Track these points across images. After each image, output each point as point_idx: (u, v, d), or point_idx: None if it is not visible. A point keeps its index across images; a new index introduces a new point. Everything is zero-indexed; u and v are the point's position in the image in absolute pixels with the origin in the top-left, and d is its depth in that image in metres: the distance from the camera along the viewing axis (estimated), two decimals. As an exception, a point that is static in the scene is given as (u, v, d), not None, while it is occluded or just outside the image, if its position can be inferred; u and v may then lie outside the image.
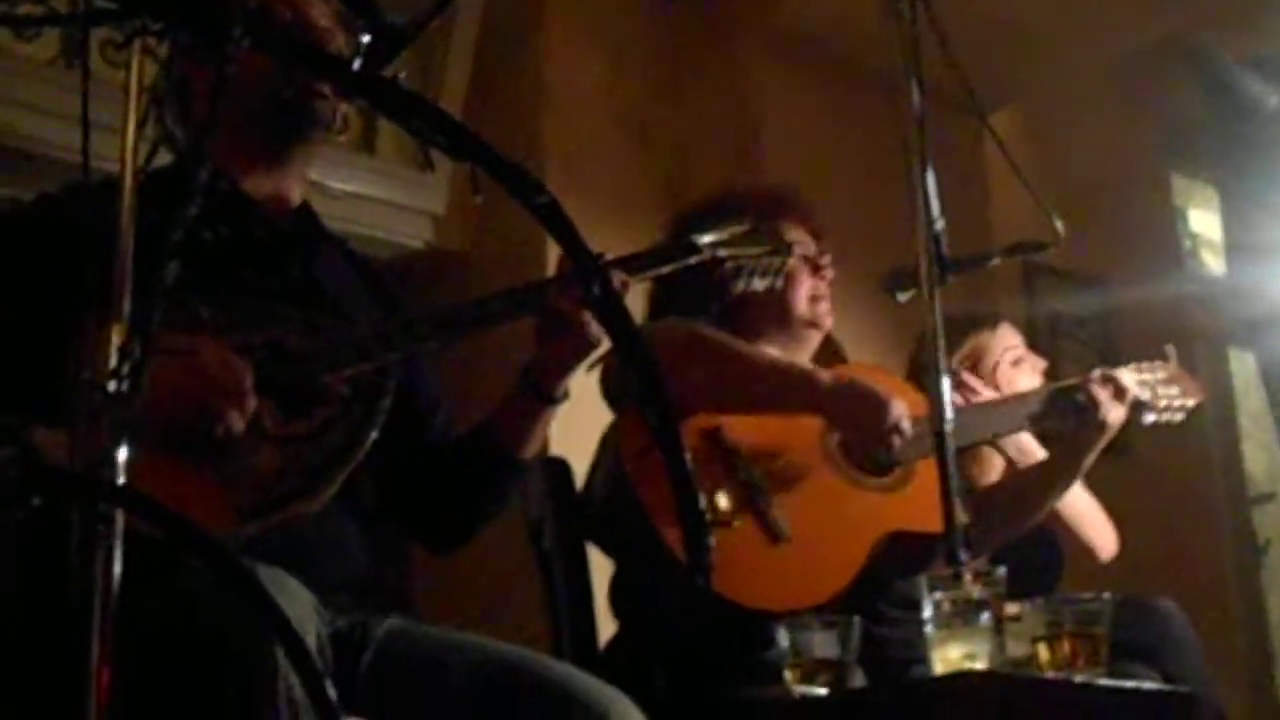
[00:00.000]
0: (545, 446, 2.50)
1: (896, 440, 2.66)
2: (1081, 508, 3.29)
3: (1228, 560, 5.83)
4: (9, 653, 1.74)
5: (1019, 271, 5.16)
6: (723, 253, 2.45)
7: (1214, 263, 6.35)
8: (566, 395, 2.29)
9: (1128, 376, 3.12)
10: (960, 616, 2.03)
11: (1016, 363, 3.43)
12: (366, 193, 4.12)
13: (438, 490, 2.33)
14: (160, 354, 1.46)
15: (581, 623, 2.77)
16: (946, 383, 2.41)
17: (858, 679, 2.22)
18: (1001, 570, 2.10)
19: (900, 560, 2.68)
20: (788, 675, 2.16)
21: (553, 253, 3.92)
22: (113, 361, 1.34)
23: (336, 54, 2.12)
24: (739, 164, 4.49)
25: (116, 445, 1.30)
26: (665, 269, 2.38)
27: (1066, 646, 2.06)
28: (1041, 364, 3.51)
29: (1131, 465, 4.63)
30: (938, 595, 2.05)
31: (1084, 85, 5.42)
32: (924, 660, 2.58)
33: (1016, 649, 2.10)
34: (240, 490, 1.92)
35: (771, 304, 2.89)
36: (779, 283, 2.58)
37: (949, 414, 2.40)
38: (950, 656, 2.01)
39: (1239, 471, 6.00)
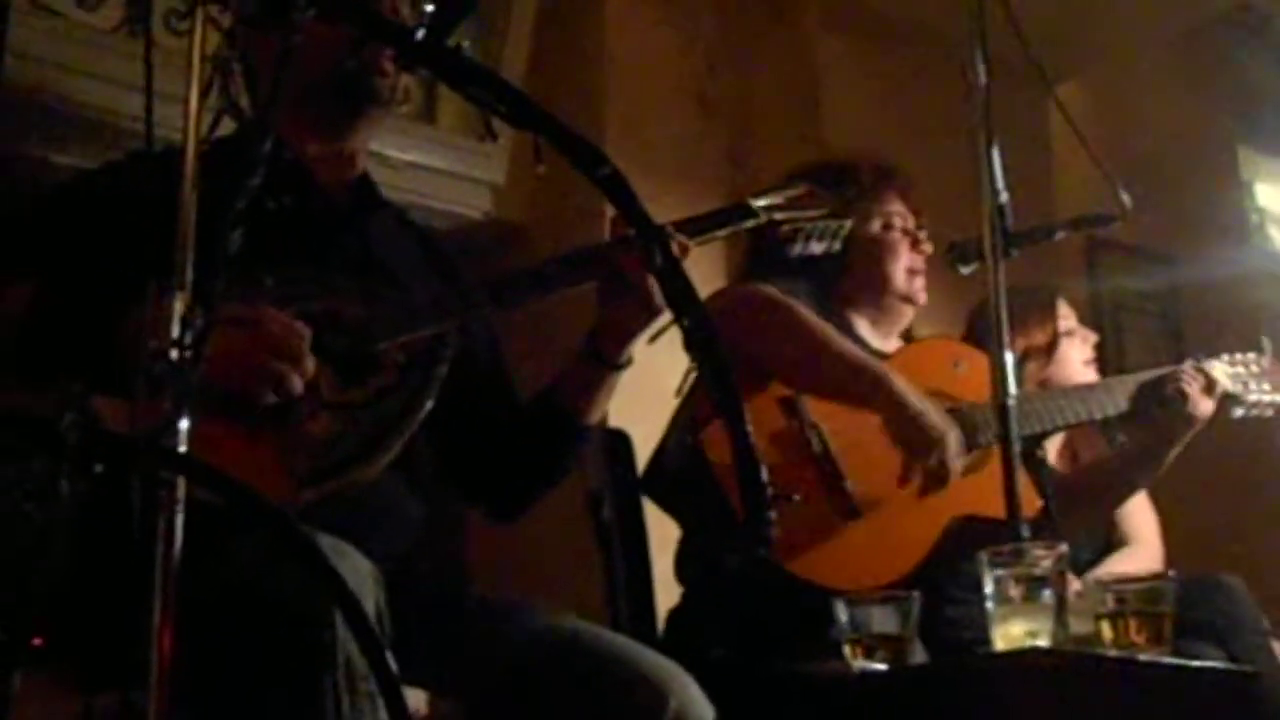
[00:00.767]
0: (604, 417, 2.49)
1: (935, 481, 2.67)
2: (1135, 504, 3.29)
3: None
4: (73, 617, 1.75)
5: (1082, 246, 5.10)
6: (779, 216, 2.43)
7: (1281, 237, 6.28)
8: (629, 361, 2.27)
9: (1219, 369, 3.10)
10: (1022, 593, 2.01)
11: (1068, 333, 3.40)
12: (427, 163, 4.12)
13: (500, 457, 2.33)
14: (222, 323, 1.46)
15: (639, 595, 2.77)
16: (1009, 356, 2.39)
17: (918, 655, 2.20)
18: (1064, 546, 2.08)
19: (971, 544, 2.64)
20: (846, 650, 2.14)
21: (610, 226, 3.92)
22: (175, 330, 1.34)
23: (400, 24, 2.11)
24: (801, 133, 4.46)
25: (179, 414, 1.30)
26: (721, 232, 2.36)
27: (1131, 625, 2.04)
28: (1093, 337, 3.49)
29: (1198, 440, 4.57)
30: (999, 572, 2.03)
31: (1151, 57, 5.34)
32: (987, 641, 2.59)
33: (1079, 626, 2.07)
34: (297, 457, 1.92)
35: (869, 275, 2.89)
36: (836, 246, 2.56)
37: (1012, 388, 2.38)
38: (1012, 633, 1.99)
39: (1308, 446, 5.92)
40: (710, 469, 2.57)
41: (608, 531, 2.77)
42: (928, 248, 2.96)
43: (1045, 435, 2.98)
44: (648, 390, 2.73)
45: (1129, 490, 3.14)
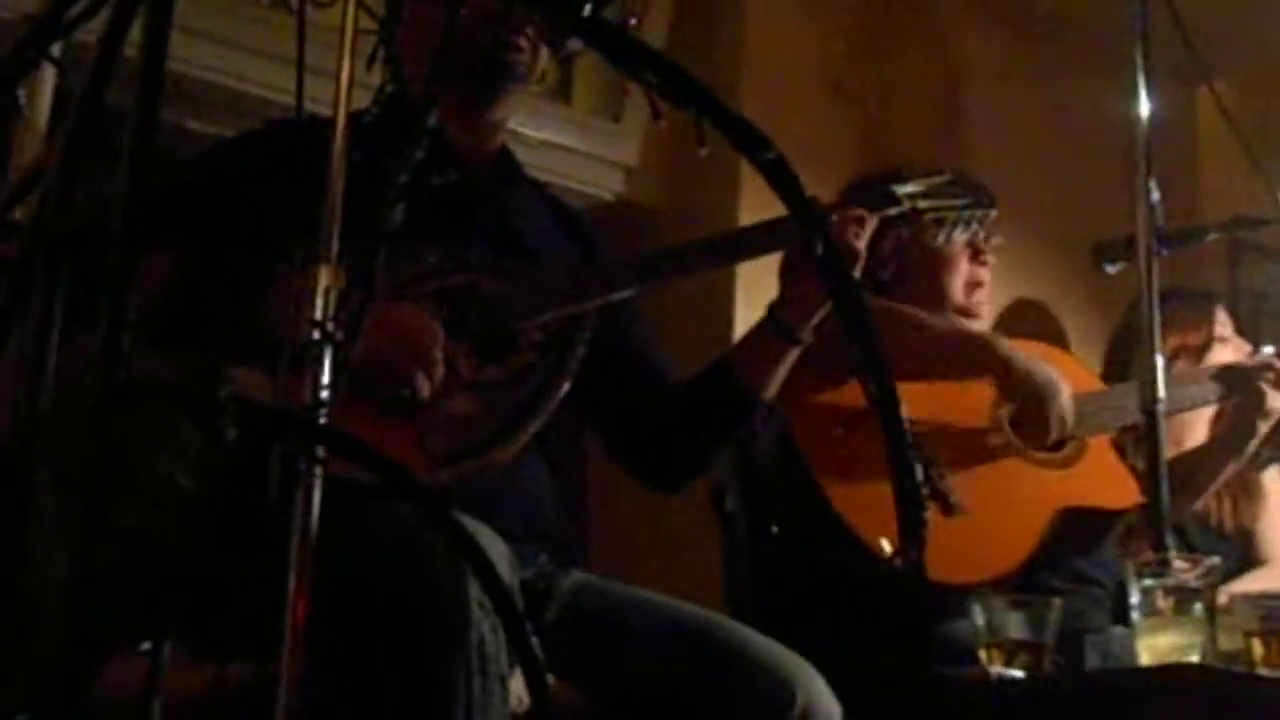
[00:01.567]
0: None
1: (1056, 428, 2.65)
2: None
3: None
4: (209, 586, 1.75)
5: (1225, 246, 4.97)
6: (923, 204, 2.38)
7: None
8: (812, 337, 2.23)
9: None
10: (1171, 605, 1.95)
11: (1222, 340, 3.32)
12: (559, 141, 4.10)
13: (668, 427, 2.28)
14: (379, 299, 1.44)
15: (761, 587, 2.74)
16: (1160, 360, 2.33)
17: (1051, 663, 2.14)
18: (1215, 560, 2.01)
19: (1074, 537, 2.66)
20: (983, 655, 2.10)
21: (745, 209, 3.88)
22: (327, 306, 1.32)
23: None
24: (939, 123, 4.39)
25: (333, 389, 1.28)
26: (873, 218, 2.31)
27: (1281, 643, 1.98)
28: (1246, 348, 3.39)
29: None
30: (1148, 582, 1.97)
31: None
32: (1094, 630, 2.55)
33: (1228, 642, 2.01)
34: (435, 436, 1.92)
35: (927, 288, 2.84)
36: (982, 234, 2.51)
37: (1161, 392, 2.32)
38: (1160, 646, 1.94)
39: None
40: (803, 462, 2.53)
41: (732, 522, 2.74)
42: (991, 259, 2.90)
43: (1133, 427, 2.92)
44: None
45: (1210, 483, 3.05)
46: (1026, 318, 3.15)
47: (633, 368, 2.29)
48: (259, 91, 3.52)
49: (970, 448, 2.67)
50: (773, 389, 2.24)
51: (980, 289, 2.90)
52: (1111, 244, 2.72)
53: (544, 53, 2.21)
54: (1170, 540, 2.21)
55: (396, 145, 1.42)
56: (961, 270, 2.89)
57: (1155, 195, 2.40)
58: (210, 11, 3.48)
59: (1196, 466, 3.08)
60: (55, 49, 1.22)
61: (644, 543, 3.92)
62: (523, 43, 2.16)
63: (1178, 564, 2.02)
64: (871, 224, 2.24)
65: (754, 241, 2.19)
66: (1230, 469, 3.04)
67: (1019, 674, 2.04)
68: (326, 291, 1.36)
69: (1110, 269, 2.75)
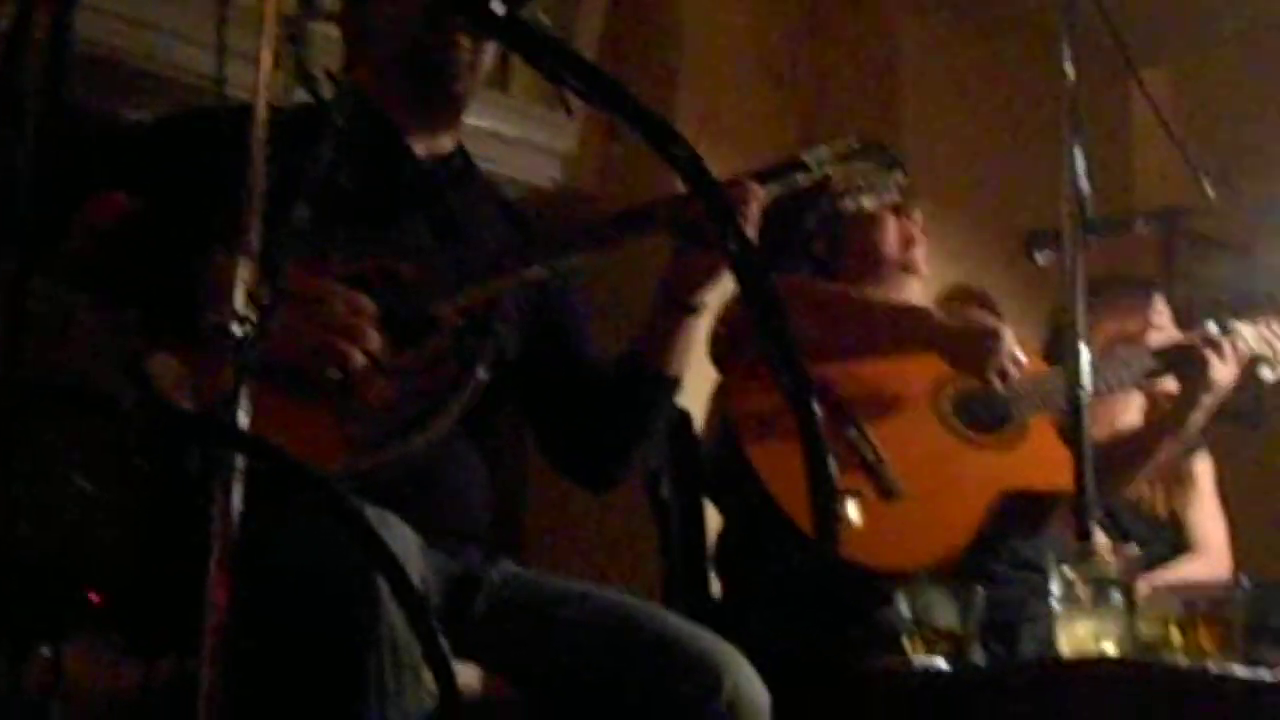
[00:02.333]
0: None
1: (1012, 368, 2.62)
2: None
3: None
4: (132, 584, 1.74)
5: (1158, 234, 5.01)
6: (831, 169, 2.38)
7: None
8: (705, 306, 2.22)
9: (1246, 330, 2.99)
10: (1090, 595, 1.97)
11: (1159, 330, 3.33)
12: (498, 130, 4.09)
13: (594, 424, 2.28)
14: (288, 297, 1.43)
15: (696, 575, 2.75)
16: (1085, 350, 2.34)
17: (977, 653, 2.16)
18: (1135, 548, 2.03)
19: (1016, 520, 2.64)
20: (907, 644, 2.11)
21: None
22: (240, 303, 1.32)
23: None
24: (877, 115, 4.40)
25: (238, 388, 1.28)
26: (775, 186, 2.31)
27: (1201, 632, 1.99)
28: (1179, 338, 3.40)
29: (1267, 438, 4.50)
30: (1067, 571, 1.99)
31: (1237, 49, 5.23)
32: (1033, 619, 2.55)
33: (1146, 630, 2.03)
34: (354, 424, 1.90)
35: (860, 253, 2.85)
36: (894, 199, 2.51)
37: (1086, 382, 2.34)
38: (1078, 634, 1.96)
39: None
40: (746, 458, 2.53)
41: (665, 510, 2.74)
42: (918, 216, 2.89)
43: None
44: (706, 368, 2.70)
45: (1148, 462, 3.03)
46: (959, 304, 3.14)
47: (568, 367, 2.29)
48: (190, 79, 3.50)
49: (910, 430, 2.67)
50: (679, 363, 2.24)
51: (915, 245, 2.88)
52: (1042, 233, 2.72)
53: (490, 48, 2.20)
54: (1104, 524, 2.23)
55: (310, 142, 1.41)
56: (890, 228, 2.88)
57: (1084, 183, 2.41)
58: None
59: (1136, 446, 3.08)
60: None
61: (581, 532, 3.92)
62: (462, 39, 2.16)
63: (1100, 552, 2.04)
64: (759, 195, 2.21)
65: (662, 215, 2.17)
66: (1170, 446, 3.03)
67: (941, 663, 2.05)
68: (247, 294, 1.35)
69: (1040, 259, 2.75)
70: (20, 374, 0.94)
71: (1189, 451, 3.33)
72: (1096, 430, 3.21)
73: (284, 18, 1.41)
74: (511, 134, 4.14)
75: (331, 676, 1.68)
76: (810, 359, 2.57)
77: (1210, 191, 2.60)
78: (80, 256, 1.88)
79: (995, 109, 4.47)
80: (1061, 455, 2.42)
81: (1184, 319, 3.52)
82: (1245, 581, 2.11)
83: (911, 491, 2.57)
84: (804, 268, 2.81)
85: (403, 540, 1.79)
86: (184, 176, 1.95)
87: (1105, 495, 2.96)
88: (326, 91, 1.35)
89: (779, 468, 2.54)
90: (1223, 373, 2.90)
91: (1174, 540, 3.29)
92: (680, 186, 1.65)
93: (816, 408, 1.36)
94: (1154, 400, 3.22)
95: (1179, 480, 3.32)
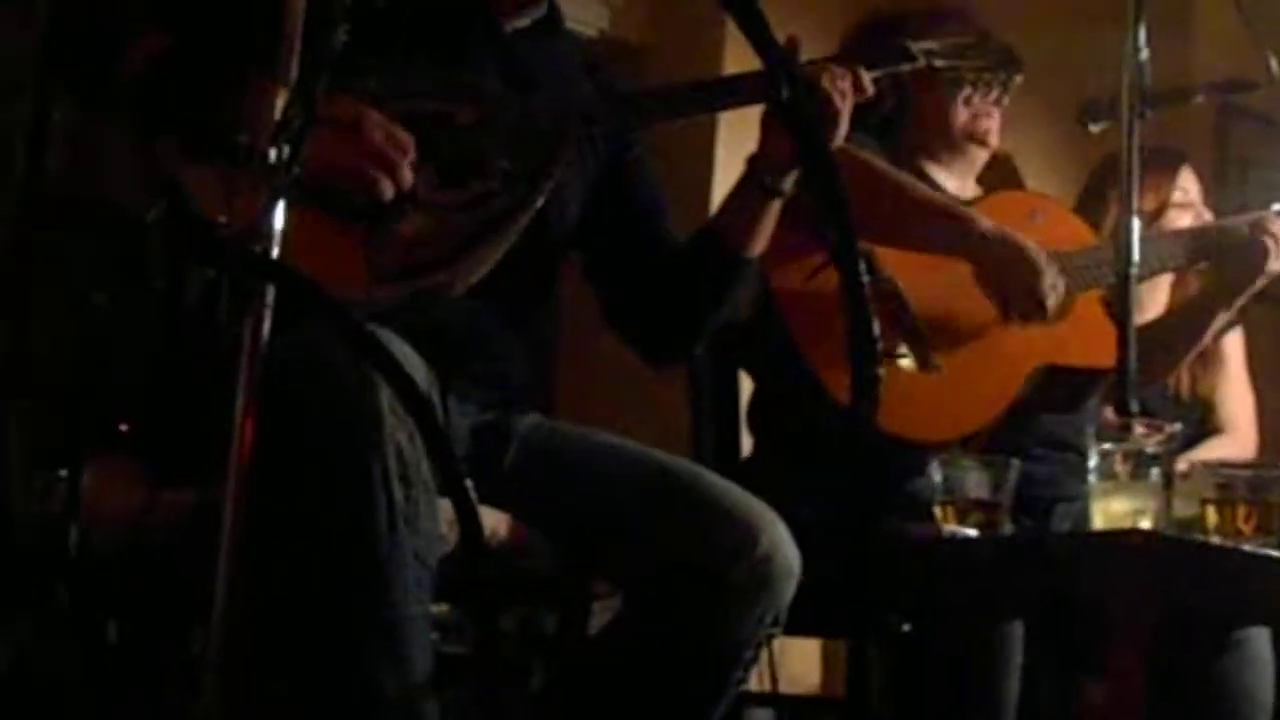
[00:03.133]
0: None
1: (1038, 314, 2.56)
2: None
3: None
4: (151, 409, 1.73)
5: (1213, 111, 4.90)
6: (940, 63, 2.31)
7: None
8: (793, 189, 2.17)
9: None
10: (1129, 470, 1.94)
11: (1180, 206, 3.25)
12: (545, -24, 4.02)
13: (664, 298, 2.25)
14: (322, 123, 1.40)
15: (726, 434, 2.74)
16: (1136, 223, 2.29)
17: (1007, 525, 2.14)
18: (1176, 426, 2.00)
19: (1053, 394, 2.61)
20: (938, 512, 2.09)
21: (730, 48, 3.81)
22: (273, 127, 1.29)
23: None
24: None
25: (269, 212, 1.25)
26: (875, 74, 2.24)
27: (1239, 512, 1.96)
28: (1207, 216, 3.32)
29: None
30: (1107, 446, 1.96)
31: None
32: (1068, 499, 2.53)
33: (1183, 509, 2.01)
34: (382, 254, 1.88)
35: (930, 119, 2.75)
36: (1006, 99, 2.44)
37: (1134, 255, 2.29)
38: (1113, 510, 1.93)
39: None
40: (784, 325, 2.50)
41: (698, 365, 2.72)
42: (996, 88, 2.80)
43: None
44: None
45: (1195, 343, 2.98)
46: (1008, 174, 3.08)
47: (638, 234, 2.25)
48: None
49: (952, 302, 2.61)
50: (758, 246, 2.20)
51: (989, 117, 2.77)
52: (1098, 103, 2.66)
53: None
54: (1134, 406, 2.19)
55: None
56: (963, 96, 2.81)
57: (1144, 54, 2.34)
58: None
59: (1179, 327, 3.03)
60: None
61: (611, 387, 3.91)
62: None
63: (1138, 429, 2.01)
64: (865, 83, 2.17)
65: (741, 88, 2.14)
66: (1215, 330, 2.97)
67: (972, 533, 2.04)
68: (280, 118, 1.32)
69: (1094, 128, 2.68)
70: (42, 191, 0.91)
71: (1222, 331, 3.28)
72: (1138, 312, 3.17)
73: None
74: (560, -19, 4.06)
75: (337, 487, 1.68)
76: (863, 233, 2.55)
77: (1275, 66, 2.53)
78: (127, 89, 1.85)
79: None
80: (1105, 332, 2.37)
81: (1234, 196, 3.45)
82: (1284, 463, 2.07)
83: (950, 363, 2.54)
84: (872, 133, 2.72)
85: (408, 359, 1.76)
86: (231, 7, 1.91)
87: (1148, 378, 2.91)
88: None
89: (815, 335, 2.50)
90: (1274, 264, 2.84)
91: (1201, 421, 3.26)
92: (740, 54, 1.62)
93: (862, 266, 1.33)
94: (1184, 280, 3.15)
95: (1207, 362, 3.26)
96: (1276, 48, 2.54)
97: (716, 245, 2.20)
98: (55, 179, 1.02)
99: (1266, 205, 3.00)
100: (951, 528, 2.05)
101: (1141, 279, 2.83)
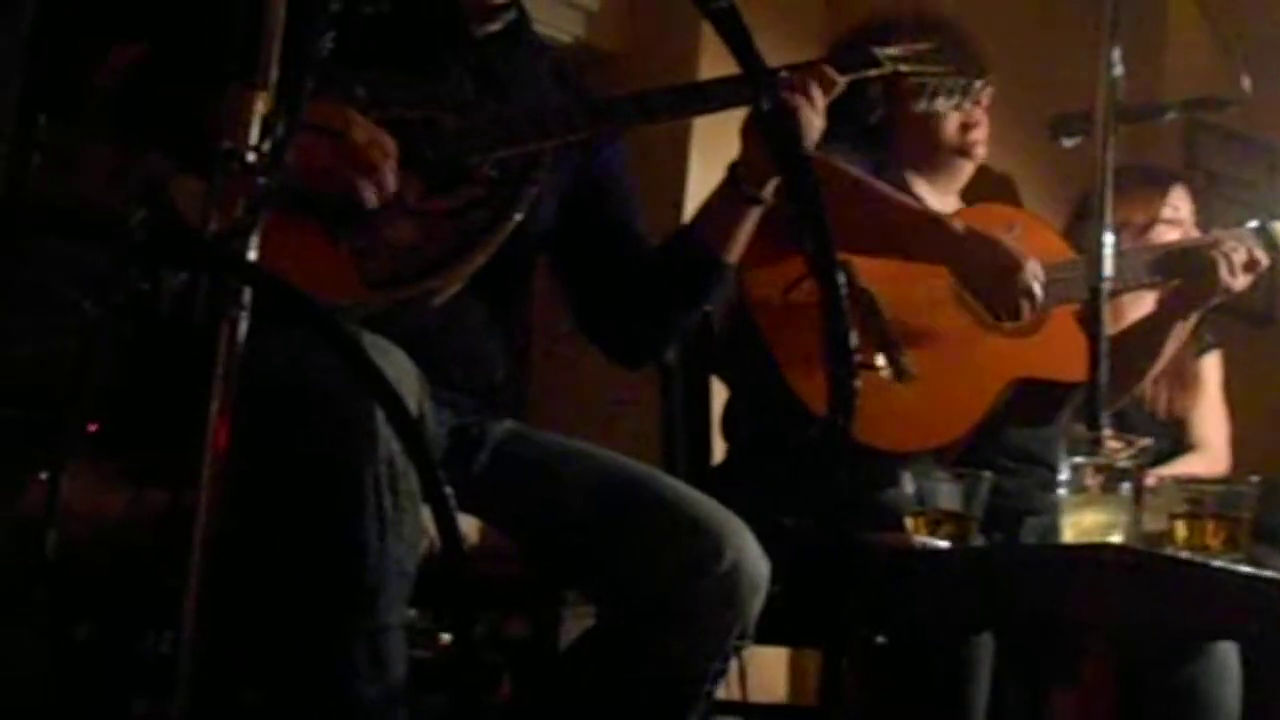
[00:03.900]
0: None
1: (1025, 306, 2.56)
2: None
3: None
4: (129, 410, 1.73)
5: (1183, 126, 4.93)
6: (905, 68, 2.32)
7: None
8: (772, 198, 2.18)
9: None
10: (1099, 484, 1.95)
11: (1170, 223, 3.27)
12: (521, -19, 4.01)
13: (638, 298, 2.25)
14: (307, 128, 1.40)
15: (697, 443, 2.74)
16: (1109, 237, 2.31)
17: (978, 537, 2.15)
18: (1147, 441, 2.01)
19: (1027, 408, 2.62)
20: (909, 523, 2.10)
21: (706, 55, 3.81)
22: (255, 132, 1.29)
23: None
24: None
25: (251, 219, 1.25)
26: (842, 79, 2.25)
27: (1207, 527, 1.98)
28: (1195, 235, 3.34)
29: (1275, 336, 4.48)
30: (1078, 460, 1.97)
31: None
32: (1036, 513, 2.54)
33: (1153, 523, 2.02)
34: (372, 261, 1.89)
35: (918, 130, 2.76)
36: (966, 105, 2.45)
37: (1107, 270, 2.30)
38: (1084, 523, 1.94)
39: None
40: (759, 333, 2.51)
41: (669, 374, 2.72)
42: (984, 101, 2.81)
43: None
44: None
45: (1156, 357, 2.98)
46: (984, 187, 3.09)
47: (612, 234, 2.26)
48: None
49: (928, 313, 2.63)
50: (735, 251, 2.21)
51: (976, 128, 2.79)
52: (1070, 117, 2.67)
53: None
54: (1107, 420, 2.21)
55: None
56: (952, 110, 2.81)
57: (1118, 69, 2.36)
58: None
59: (1141, 342, 3.04)
60: None
61: (585, 395, 3.91)
62: None
63: (1110, 443, 2.02)
64: (839, 85, 2.19)
65: (718, 94, 2.14)
66: (1174, 343, 2.98)
67: (943, 544, 2.05)
68: (262, 122, 1.32)
69: (1067, 142, 2.70)
70: (23, 195, 0.91)
71: (1201, 352, 3.30)
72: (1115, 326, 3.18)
73: None
74: (535, -14, 4.06)
75: (329, 497, 1.68)
76: (839, 242, 2.55)
77: (1247, 83, 2.55)
78: (104, 98, 1.86)
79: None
80: (1079, 346, 2.38)
81: (1201, 212, 3.47)
82: (1253, 480, 2.08)
83: (923, 374, 2.54)
84: (856, 143, 2.72)
85: (399, 366, 1.76)
86: (213, 13, 1.91)
87: (1114, 392, 2.92)
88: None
89: (791, 345, 2.51)
90: (1234, 281, 2.84)
91: (1175, 439, 3.28)
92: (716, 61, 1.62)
93: (840, 275, 1.34)
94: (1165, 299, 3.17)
95: (1184, 382, 3.29)
96: (1247, 66, 2.55)
97: (694, 247, 2.21)
98: (31, 181, 1.02)
99: (1235, 221, 3.02)
100: (923, 539, 2.06)
101: (1114, 294, 2.86)
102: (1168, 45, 4.69)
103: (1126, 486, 1.95)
